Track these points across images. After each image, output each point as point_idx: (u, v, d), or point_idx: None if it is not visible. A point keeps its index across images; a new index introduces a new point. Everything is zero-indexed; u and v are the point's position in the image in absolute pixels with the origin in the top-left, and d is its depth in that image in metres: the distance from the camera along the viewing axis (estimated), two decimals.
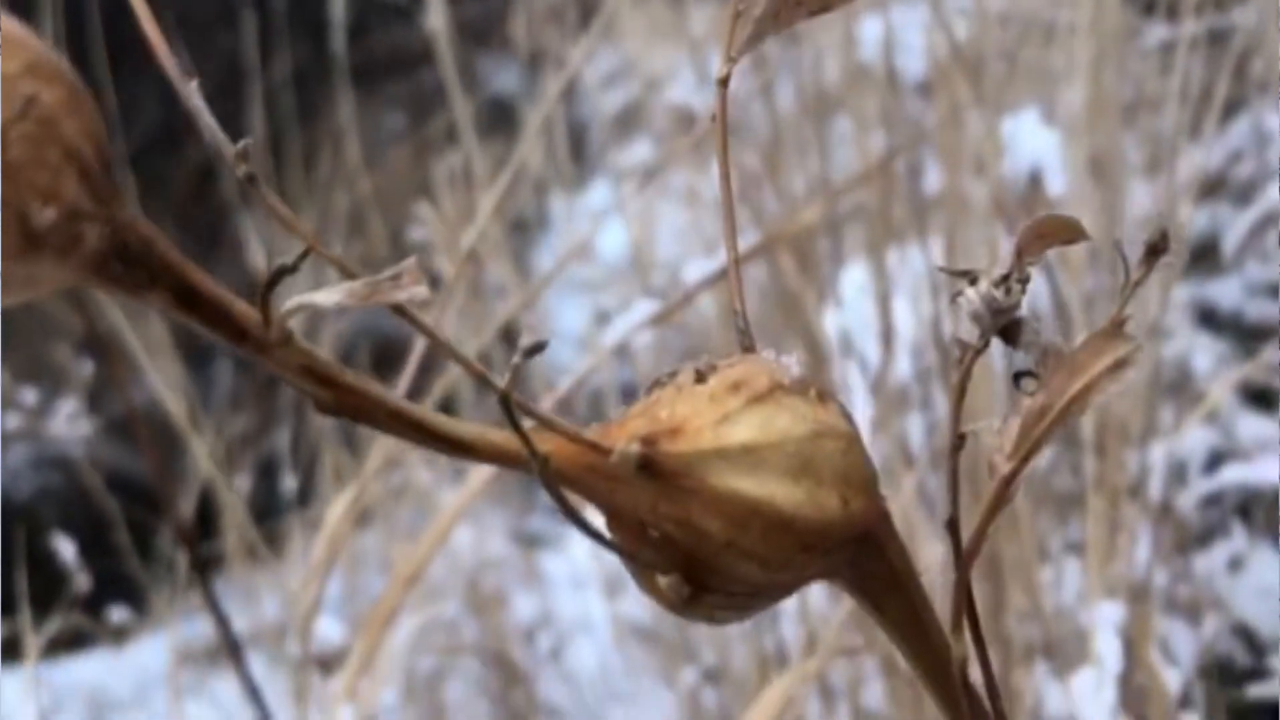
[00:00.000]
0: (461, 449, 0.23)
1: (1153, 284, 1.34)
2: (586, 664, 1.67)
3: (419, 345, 0.95)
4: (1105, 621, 0.79)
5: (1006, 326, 0.25)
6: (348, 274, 0.21)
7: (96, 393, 2.13)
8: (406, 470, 1.75)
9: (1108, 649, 0.75)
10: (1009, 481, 0.24)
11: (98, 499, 1.78)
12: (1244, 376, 1.30)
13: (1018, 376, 0.26)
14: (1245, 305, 1.48)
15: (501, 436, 0.23)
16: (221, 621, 1.16)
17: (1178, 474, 1.28)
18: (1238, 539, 1.28)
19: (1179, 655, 1.28)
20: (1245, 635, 1.26)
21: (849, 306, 1.46)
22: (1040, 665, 0.84)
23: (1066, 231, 0.27)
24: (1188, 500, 1.22)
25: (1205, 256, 1.52)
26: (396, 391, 0.22)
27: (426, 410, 0.23)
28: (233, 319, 0.21)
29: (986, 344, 0.25)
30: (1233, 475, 1.23)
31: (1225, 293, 1.49)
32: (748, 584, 0.23)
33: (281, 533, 1.86)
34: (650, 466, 0.23)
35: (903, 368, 1.33)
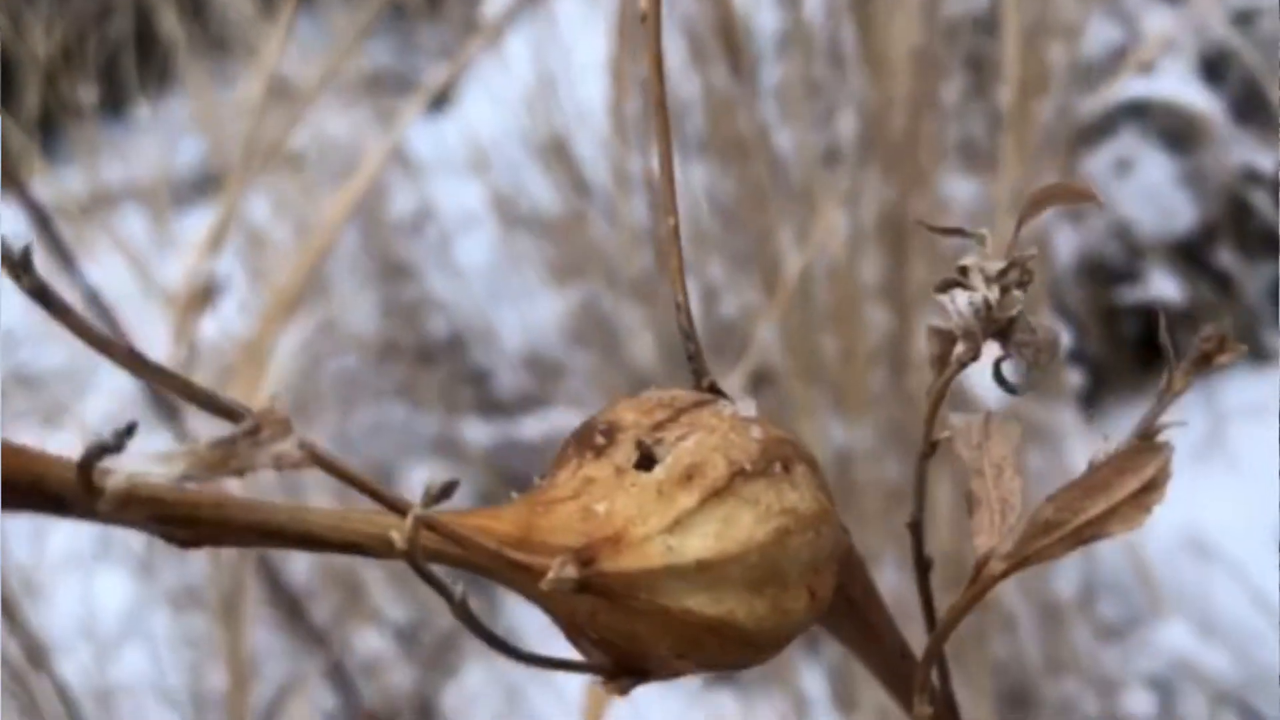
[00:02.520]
0: (356, 549, 0.19)
1: None
2: (474, 259, 1.65)
3: None
4: None
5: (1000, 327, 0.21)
6: (199, 400, 0.16)
7: None
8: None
9: None
10: (994, 583, 0.21)
11: None
12: None
13: (999, 365, 0.22)
14: None
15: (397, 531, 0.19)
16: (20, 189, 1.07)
17: (1081, 75, 1.25)
18: (1127, 140, 1.27)
19: (1059, 255, 1.31)
20: (1124, 237, 1.28)
21: None
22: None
23: (1072, 195, 0.23)
24: (1087, 106, 1.20)
25: None
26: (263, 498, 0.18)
27: (308, 512, 0.18)
28: (50, 492, 0.16)
29: (975, 356, 0.21)
30: (1134, 89, 1.20)
31: None
32: (695, 674, 0.20)
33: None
34: (589, 589, 0.19)
35: None
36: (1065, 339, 0.83)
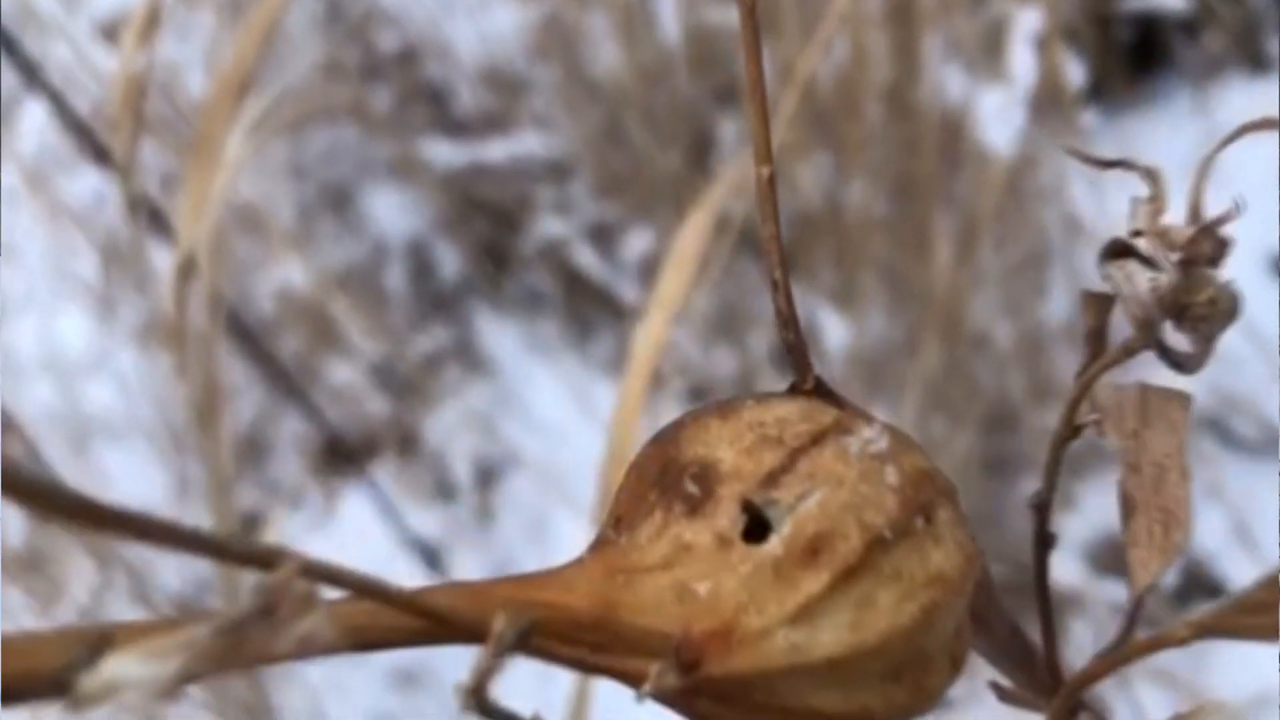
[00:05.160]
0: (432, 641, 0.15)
1: None
2: None
3: None
4: (1021, 32, 0.71)
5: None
6: (227, 554, 0.12)
7: None
8: None
9: (1021, 64, 0.69)
10: (1167, 647, 0.17)
11: None
12: None
13: (1161, 341, 0.18)
14: None
15: (457, 605, 0.15)
16: None
17: None
18: None
19: None
20: None
21: None
22: (954, 73, 0.77)
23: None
24: None
25: None
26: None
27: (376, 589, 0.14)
28: (19, 693, 0.12)
29: (1150, 345, 0.17)
30: None
31: None
32: None
33: None
34: (696, 693, 0.15)
35: None
36: (1077, 73, 0.77)
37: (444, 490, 1.40)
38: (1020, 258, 0.87)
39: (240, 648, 0.12)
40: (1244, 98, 1.17)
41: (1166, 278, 0.17)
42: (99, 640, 0.12)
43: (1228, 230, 0.17)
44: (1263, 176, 1.23)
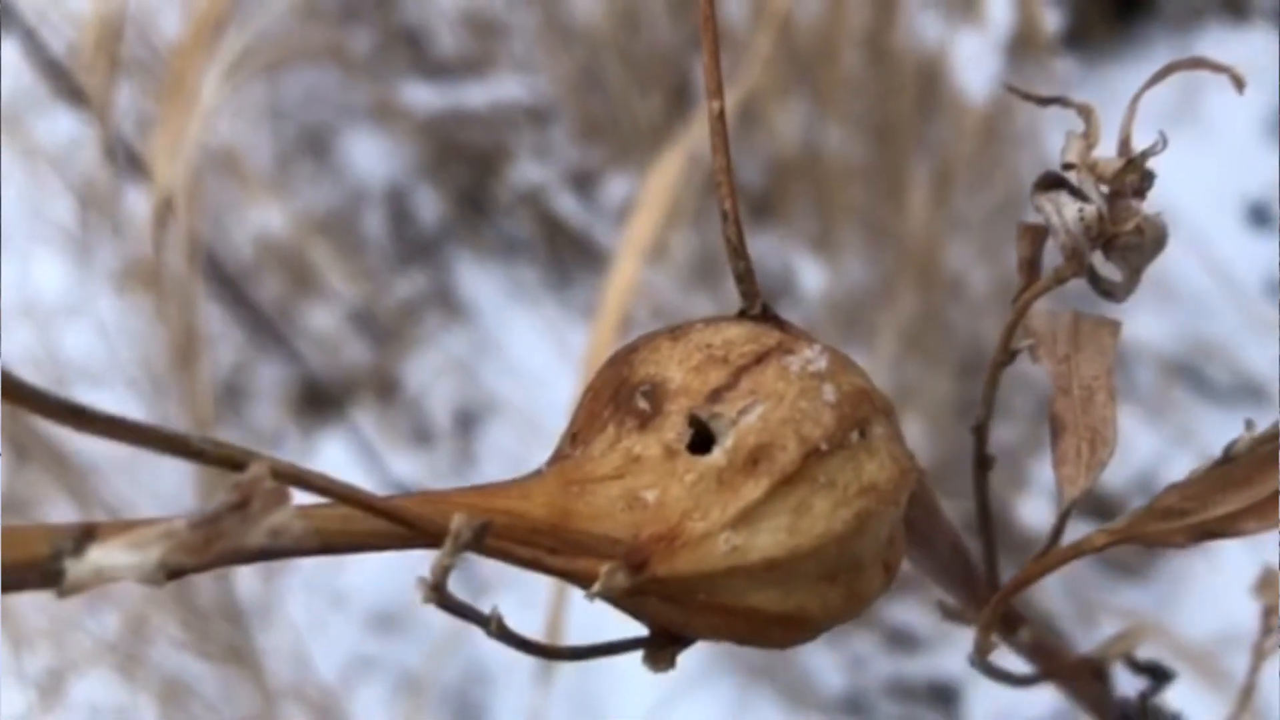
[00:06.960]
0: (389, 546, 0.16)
1: None
2: None
3: None
4: None
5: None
6: (194, 454, 0.13)
7: None
8: None
9: (998, 9, 0.69)
10: (1086, 553, 0.18)
11: None
12: None
13: (1093, 270, 0.19)
14: None
15: (423, 512, 0.16)
16: None
17: None
18: None
19: None
20: None
21: None
22: (931, 19, 0.77)
23: (1210, 69, 0.19)
24: None
25: None
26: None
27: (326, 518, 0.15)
28: (9, 578, 0.13)
29: (1079, 273, 0.18)
30: None
31: None
32: None
33: None
34: (642, 593, 0.16)
35: None
36: (1054, 19, 0.77)
37: (423, 435, 1.41)
38: (996, 203, 0.88)
39: (215, 539, 0.13)
40: (1225, 46, 1.18)
41: (1094, 208, 0.18)
42: (84, 532, 0.13)
43: (1153, 163, 0.18)
44: (1244, 128, 1.24)
